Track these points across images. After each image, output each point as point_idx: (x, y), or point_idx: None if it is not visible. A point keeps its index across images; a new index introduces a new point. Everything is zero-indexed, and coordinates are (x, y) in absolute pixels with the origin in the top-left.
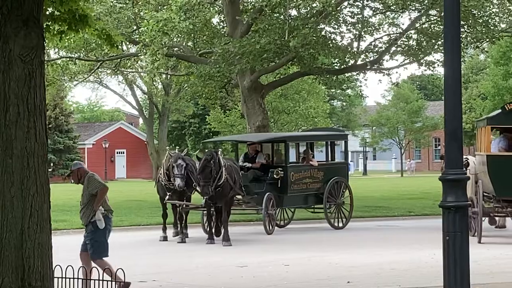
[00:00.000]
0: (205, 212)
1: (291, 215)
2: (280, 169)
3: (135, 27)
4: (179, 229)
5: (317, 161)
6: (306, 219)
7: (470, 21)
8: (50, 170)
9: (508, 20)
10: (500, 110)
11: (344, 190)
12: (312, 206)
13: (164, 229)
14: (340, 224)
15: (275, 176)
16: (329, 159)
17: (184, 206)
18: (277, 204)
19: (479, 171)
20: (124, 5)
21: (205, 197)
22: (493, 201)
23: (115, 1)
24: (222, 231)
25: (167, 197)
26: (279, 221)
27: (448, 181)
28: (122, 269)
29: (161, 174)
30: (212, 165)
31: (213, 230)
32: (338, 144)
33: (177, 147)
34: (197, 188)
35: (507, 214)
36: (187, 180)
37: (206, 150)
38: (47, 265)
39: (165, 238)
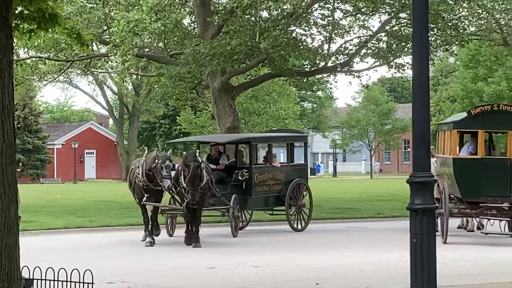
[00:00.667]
0: (171, 214)
1: (249, 217)
2: (245, 170)
3: (105, 27)
4: (150, 230)
5: (280, 163)
6: (264, 221)
7: (440, 24)
8: (18, 170)
9: (477, 23)
10: (466, 115)
11: (304, 192)
12: (273, 208)
13: (150, 233)
14: (300, 227)
15: (240, 177)
16: (290, 161)
17: (162, 208)
18: (241, 206)
19: (439, 172)
20: (95, 5)
21: (187, 202)
22: (456, 202)
23: (85, 1)
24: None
25: (145, 198)
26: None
27: (415, 184)
28: (90, 270)
29: (139, 174)
30: (199, 172)
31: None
32: (309, 145)
33: (146, 147)
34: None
35: (472, 216)
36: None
37: (185, 153)
38: (15, 266)
39: (151, 243)
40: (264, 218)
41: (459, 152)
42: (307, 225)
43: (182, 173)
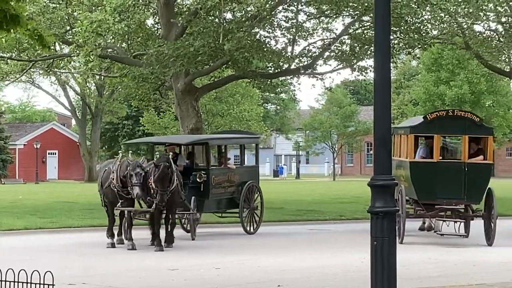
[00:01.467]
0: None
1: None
2: (203, 172)
3: (68, 28)
4: (127, 235)
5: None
6: (212, 223)
7: (403, 28)
8: None
9: (439, 27)
10: (422, 120)
11: (256, 195)
12: (225, 211)
13: (112, 235)
14: (252, 229)
15: (198, 179)
16: (243, 163)
17: (133, 212)
18: (198, 208)
19: (395, 174)
20: (58, 5)
21: (156, 203)
22: (413, 204)
23: (48, 1)
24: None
25: (119, 204)
26: (186, 225)
27: (376, 187)
28: (51, 272)
29: (113, 179)
30: (170, 173)
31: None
32: (272, 147)
33: (120, 151)
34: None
35: (428, 217)
36: (143, 188)
37: (158, 154)
38: None
39: (113, 245)
40: (214, 220)
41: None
42: (259, 227)
43: (152, 173)
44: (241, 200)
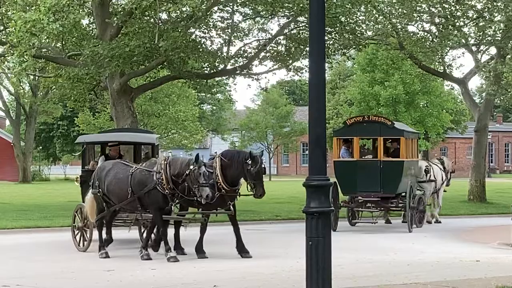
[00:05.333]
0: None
1: None
2: None
3: (2, 28)
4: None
5: None
6: None
7: (338, 28)
8: None
9: (374, 28)
10: (343, 125)
11: None
12: None
13: (179, 247)
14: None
15: None
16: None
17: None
18: None
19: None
20: None
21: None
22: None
23: None
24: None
25: (173, 208)
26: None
27: (311, 187)
28: None
29: (162, 179)
30: None
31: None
32: (208, 147)
33: (170, 151)
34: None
35: (352, 208)
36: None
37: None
38: None
39: (176, 259)
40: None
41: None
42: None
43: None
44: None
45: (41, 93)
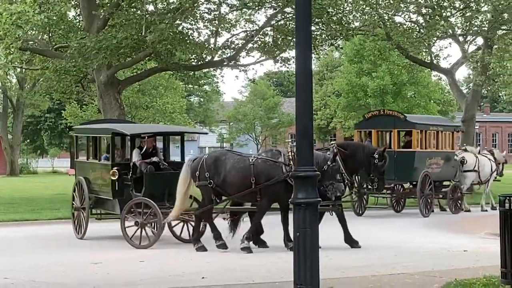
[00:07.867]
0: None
1: None
2: None
3: None
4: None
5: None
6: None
7: (325, 19)
8: None
9: (361, 18)
10: (362, 118)
11: None
12: None
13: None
14: None
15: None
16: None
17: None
18: None
19: None
20: None
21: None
22: None
23: None
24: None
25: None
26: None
27: (298, 178)
28: None
29: (287, 173)
30: None
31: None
32: (196, 139)
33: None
34: None
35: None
36: None
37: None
38: None
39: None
40: None
41: None
42: None
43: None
44: None
45: (28, 86)
